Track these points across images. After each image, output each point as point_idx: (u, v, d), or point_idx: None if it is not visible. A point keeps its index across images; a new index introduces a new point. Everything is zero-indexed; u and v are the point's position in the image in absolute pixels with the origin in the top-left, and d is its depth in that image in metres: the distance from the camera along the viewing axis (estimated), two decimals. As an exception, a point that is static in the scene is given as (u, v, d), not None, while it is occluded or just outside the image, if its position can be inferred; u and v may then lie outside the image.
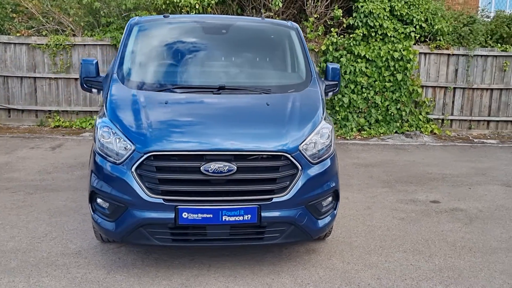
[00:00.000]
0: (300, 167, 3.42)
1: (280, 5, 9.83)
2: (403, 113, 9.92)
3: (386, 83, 9.82)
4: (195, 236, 3.43)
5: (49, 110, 10.11)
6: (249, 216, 3.33)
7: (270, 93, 3.93)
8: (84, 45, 10.16)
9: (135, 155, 3.33)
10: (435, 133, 10.13)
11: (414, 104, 10.22)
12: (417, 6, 10.21)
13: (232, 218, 3.32)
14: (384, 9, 9.96)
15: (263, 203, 3.35)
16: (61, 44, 9.82)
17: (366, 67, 9.74)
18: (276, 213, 3.39)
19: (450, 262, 3.97)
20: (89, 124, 10.17)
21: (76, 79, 10.16)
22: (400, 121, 10.02)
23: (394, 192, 5.93)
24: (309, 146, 3.51)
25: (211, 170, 3.27)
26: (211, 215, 3.30)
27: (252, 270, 3.72)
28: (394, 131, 9.92)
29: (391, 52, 9.81)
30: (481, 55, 10.28)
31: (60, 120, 10.07)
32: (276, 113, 3.67)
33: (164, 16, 4.72)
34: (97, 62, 4.26)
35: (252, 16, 10.48)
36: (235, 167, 3.29)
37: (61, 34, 10.04)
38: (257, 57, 4.46)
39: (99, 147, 3.55)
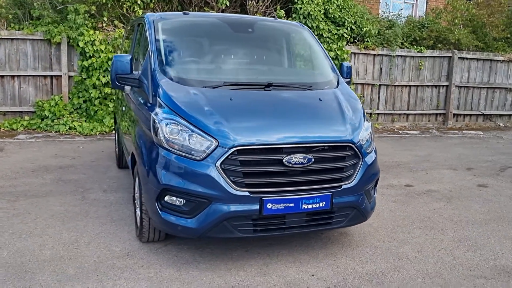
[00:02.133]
0: (361, 157, 3.77)
1: (228, 3, 10.00)
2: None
3: (326, 81, 10.53)
4: (275, 226, 3.58)
5: (-29, 111, 9.12)
6: (324, 203, 3.58)
7: (313, 89, 4.20)
8: (12, 39, 9.33)
9: (219, 150, 3.38)
10: (367, 126, 11.13)
11: (348, 100, 11.11)
12: (347, 9, 11.11)
13: (310, 206, 3.55)
14: (320, 11, 10.68)
15: (335, 190, 3.63)
16: (-17, 38, 8.91)
17: (308, 65, 10.37)
18: (344, 199, 3.69)
19: (461, 233, 4.62)
20: (21, 126, 9.38)
21: (2, 76, 9.31)
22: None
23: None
24: (363, 138, 3.87)
25: (293, 161, 3.47)
26: (293, 204, 3.50)
27: (310, 255, 3.97)
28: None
29: (327, 51, 10.55)
30: (401, 56, 11.55)
31: (-17, 122, 9.14)
32: (331, 108, 3.95)
33: (184, 13, 4.70)
34: (131, 58, 4.14)
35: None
36: (313, 158, 3.53)
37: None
38: (286, 55, 4.69)
39: (167, 143, 3.51)
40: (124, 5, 9.90)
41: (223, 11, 10.36)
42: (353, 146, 3.71)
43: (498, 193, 6.11)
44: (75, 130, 9.36)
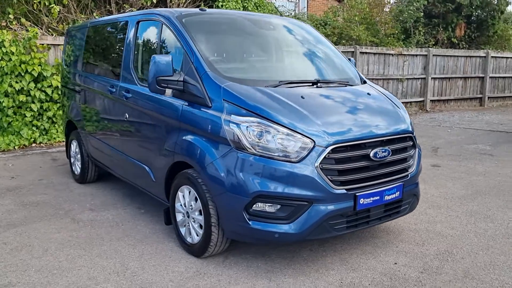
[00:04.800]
0: (416, 147, 3.99)
1: (155, 0, 9.51)
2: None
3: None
4: (362, 220, 3.58)
5: None
6: (398, 192, 3.71)
7: (351, 85, 4.27)
8: None
9: (317, 149, 3.28)
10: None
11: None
12: (263, 7, 11.40)
13: (390, 197, 3.64)
14: (239, 8, 10.79)
15: (405, 180, 3.79)
16: None
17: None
18: (409, 188, 3.85)
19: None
20: None
21: None
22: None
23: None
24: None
25: (378, 155, 3.53)
26: (378, 197, 3.55)
27: (372, 246, 4.06)
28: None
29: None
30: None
31: None
32: (382, 102, 4.05)
33: (201, 10, 4.40)
34: (172, 59, 3.75)
35: (119, 11, 9.77)
36: (390, 151, 3.64)
37: None
38: (312, 51, 4.66)
39: (252, 147, 3.29)
40: (35, 0, 8.77)
41: (141, 7, 9.83)
42: (412, 136, 3.91)
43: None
44: (-13, 146, 8.06)
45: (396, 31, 14.05)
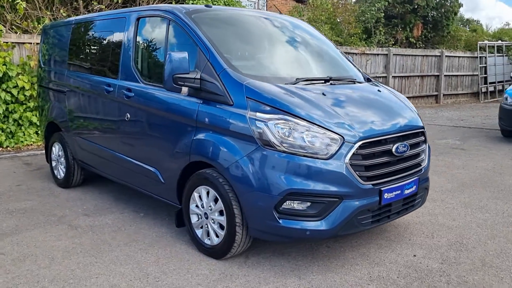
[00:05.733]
0: (426, 142, 4.09)
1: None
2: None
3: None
4: (385, 215, 3.62)
5: None
6: (415, 187, 3.78)
7: (362, 83, 4.31)
8: None
9: (346, 146, 3.28)
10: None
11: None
12: (232, 6, 11.35)
13: (408, 191, 3.70)
14: (209, 7, 10.70)
15: (419, 174, 3.87)
16: None
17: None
18: (423, 181, 3.95)
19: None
20: None
21: None
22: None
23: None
24: None
25: (399, 150, 3.59)
26: (399, 191, 3.60)
27: (387, 241, 4.13)
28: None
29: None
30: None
31: None
32: (393, 98, 4.10)
33: (207, 6, 4.30)
34: (187, 55, 3.64)
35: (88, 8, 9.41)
36: (409, 145, 3.71)
37: None
38: (318, 48, 4.66)
39: (281, 145, 3.25)
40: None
41: (109, 5, 9.52)
42: (424, 131, 4.01)
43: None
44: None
45: (359, 31, 14.40)
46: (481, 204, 5.15)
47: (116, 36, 4.70)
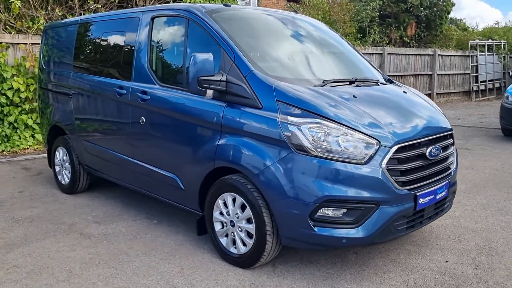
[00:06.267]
0: (454, 144, 3.99)
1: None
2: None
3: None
4: (418, 220, 3.51)
5: None
6: (446, 191, 3.69)
7: (385, 84, 4.20)
8: None
9: (382, 150, 3.16)
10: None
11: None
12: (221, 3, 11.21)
13: (440, 195, 3.60)
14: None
15: (449, 177, 3.78)
16: None
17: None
18: (453, 185, 3.86)
19: None
20: None
21: None
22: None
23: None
24: None
25: (432, 154, 3.48)
26: (433, 196, 3.50)
27: (415, 246, 4.03)
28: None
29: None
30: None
31: None
32: (419, 100, 3.99)
33: (225, 5, 4.15)
34: (213, 57, 3.49)
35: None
36: (441, 148, 3.61)
37: None
38: (338, 49, 4.54)
39: (316, 150, 3.12)
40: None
41: (106, 3, 9.30)
42: (452, 133, 3.91)
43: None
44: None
45: (354, 30, 14.36)
46: (499, 205, 5.09)
47: (128, 37, 4.52)
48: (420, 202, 3.34)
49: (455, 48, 18.52)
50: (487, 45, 18.65)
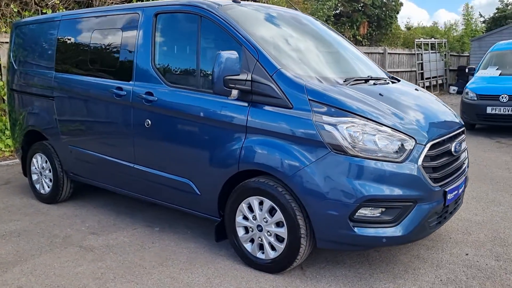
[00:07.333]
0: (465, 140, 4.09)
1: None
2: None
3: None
4: (444, 216, 3.53)
5: None
6: (463, 186, 3.78)
7: (395, 82, 4.22)
8: None
9: (418, 148, 3.14)
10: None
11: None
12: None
13: (460, 191, 3.67)
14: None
15: (465, 172, 3.85)
16: None
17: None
18: (466, 180, 3.95)
19: None
20: None
21: None
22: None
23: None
24: None
25: (456, 149, 3.54)
26: (456, 192, 3.55)
27: (429, 240, 4.09)
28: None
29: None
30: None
31: None
32: (432, 98, 4.03)
33: (234, 1, 3.99)
34: (237, 55, 3.33)
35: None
36: (461, 144, 3.68)
37: None
38: (348, 49, 4.49)
39: (354, 149, 3.06)
40: None
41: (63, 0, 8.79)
42: (464, 129, 4.01)
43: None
44: None
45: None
46: (490, 197, 5.29)
47: (126, 35, 4.23)
48: (448, 197, 3.38)
49: (402, 46, 19.26)
50: (430, 43, 19.56)
